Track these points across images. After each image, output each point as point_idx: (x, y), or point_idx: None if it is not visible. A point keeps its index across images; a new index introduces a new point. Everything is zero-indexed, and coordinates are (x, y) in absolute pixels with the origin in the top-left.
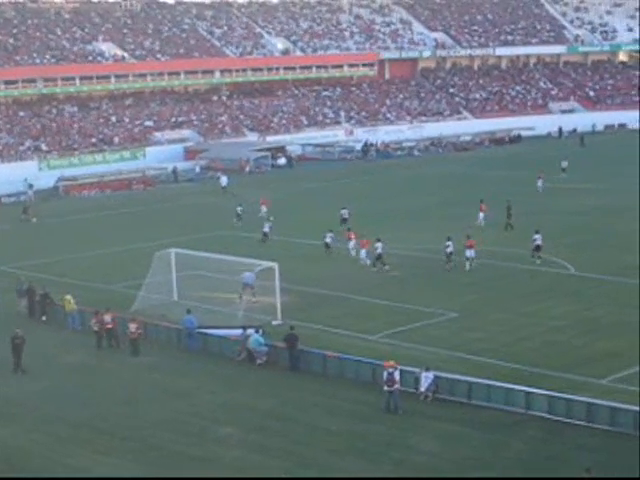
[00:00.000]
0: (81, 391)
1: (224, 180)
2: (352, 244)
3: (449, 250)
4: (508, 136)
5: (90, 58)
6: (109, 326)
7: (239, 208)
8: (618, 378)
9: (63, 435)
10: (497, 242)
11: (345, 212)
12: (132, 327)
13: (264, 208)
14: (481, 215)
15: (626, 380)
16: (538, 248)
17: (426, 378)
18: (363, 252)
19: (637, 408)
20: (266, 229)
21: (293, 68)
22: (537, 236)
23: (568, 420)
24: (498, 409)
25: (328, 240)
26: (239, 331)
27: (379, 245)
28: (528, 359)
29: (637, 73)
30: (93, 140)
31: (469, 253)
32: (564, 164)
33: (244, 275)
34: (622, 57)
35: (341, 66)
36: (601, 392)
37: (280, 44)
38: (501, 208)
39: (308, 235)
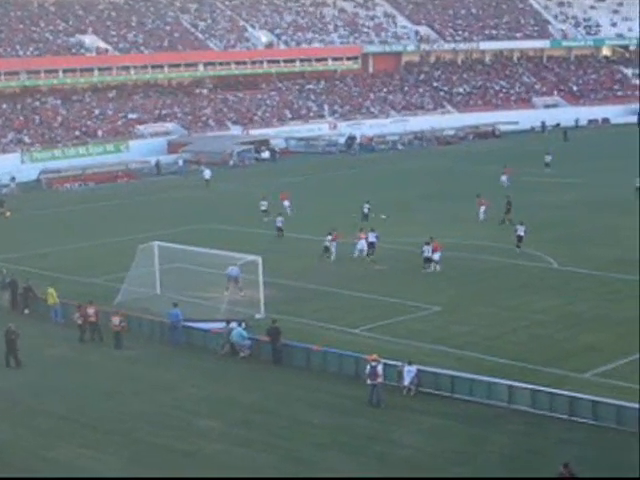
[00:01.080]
0: (64, 384)
1: (207, 173)
2: (361, 244)
3: (425, 255)
4: (493, 130)
5: (73, 51)
6: (92, 319)
7: (263, 202)
8: (600, 372)
9: (45, 428)
10: (480, 237)
11: (367, 207)
12: (115, 320)
13: (286, 203)
14: (482, 209)
15: (608, 374)
16: (520, 239)
17: (409, 372)
18: (362, 242)
19: (619, 402)
20: (279, 224)
21: (277, 61)
22: (520, 227)
23: (550, 414)
24: (481, 403)
25: (327, 244)
26: (222, 324)
27: (372, 235)
28: (511, 353)
29: (620, 68)
30: (76, 133)
31: (435, 256)
32: (547, 159)
33: (229, 269)
34: (605, 52)
35: (325, 59)
36: (583, 386)
37: (264, 37)
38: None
39: (291, 228)
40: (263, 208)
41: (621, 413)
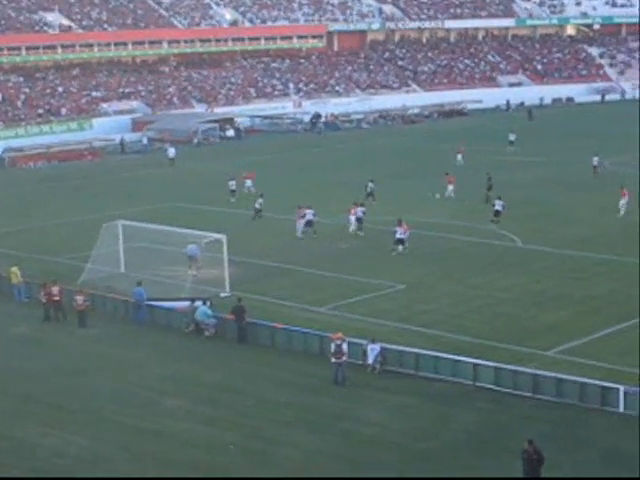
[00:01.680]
0: (28, 364)
1: (171, 152)
2: (353, 219)
3: (398, 236)
4: (461, 108)
5: (36, 28)
6: (56, 298)
7: (231, 183)
8: (564, 350)
9: (9, 408)
10: (445, 215)
11: (371, 185)
12: (79, 299)
13: (249, 182)
14: (450, 187)
15: (571, 352)
16: (497, 213)
17: (372, 350)
18: (352, 218)
19: (581, 379)
20: (257, 205)
21: (241, 39)
22: (498, 202)
23: (515, 391)
24: (446, 380)
25: (310, 217)
26: (187, 303)
27: (360, 210)
28: (475, 331)
29: (584, 47)
30: (40, 111)
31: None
32: (511, 137)
33: (188, 247)
34: (570, 31)
35: (290, 38)
36: (547, 364)
37: (228, 15)
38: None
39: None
40: (232, 188)
41: (584, 390)
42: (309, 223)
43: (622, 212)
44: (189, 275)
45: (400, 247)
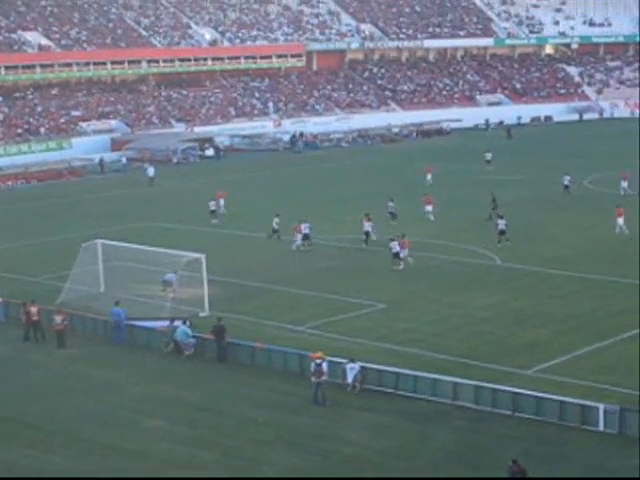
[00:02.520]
0: (6, 384)
1: (151, 171)
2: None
3: (395, 251)
4: (441, 127)
5: (15, 47)
6: (35, 318)
7: (212, 203)
8: (543, 368)
9: None
10: (424, 234)
11: (391, 205)
12: (58, 319)
13: (221, 201)
14: (429, 208)
15: (551, 370)
16: (502, 232)
17: (351, 369)
18: (298, 236)
19: (561, 398)
20: (275, 225)
21: (221, 59)
22: (501, 221)
23: (494, 410)
24: (425, 399)
25: (307, 231)
26: (166, 323)
27: (306, 226)
28: (455, 350)
29: (562, 66)
30: (18, 130)
31: (402, 253)
32: (488, 156)
33: (167, 276)
34: (548, 50)
35: (269, 57)
36: (526, 382)
37: (208, 35)
38: (419, 200)
39: (236, 225)
40: (212, 209)
41: (563, 408)
42: (306, 236)
43: (626, 231)
44: (170, 294)
45: (401, 263)
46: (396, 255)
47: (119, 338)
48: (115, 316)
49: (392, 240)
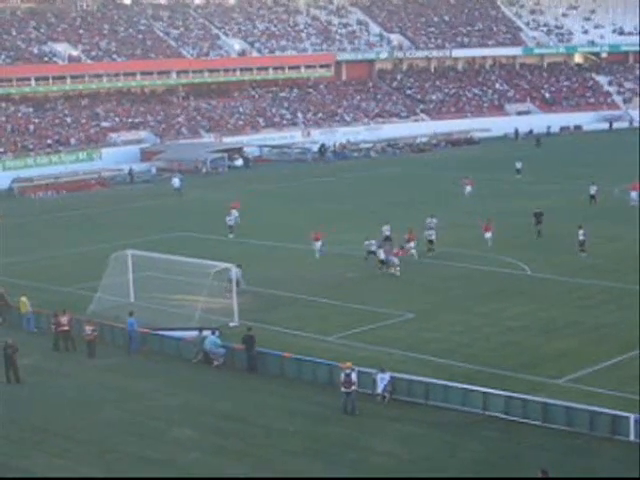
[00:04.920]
0: (36, 394)
1: (176, 182)
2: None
3: (381, 257)
4: (470, 137)
5: (46, 59)
6: (65, 328)
7: (229, 218)
8: (573, 378)
9: (17, 438)
10: (453, 243)
11: (433, 221)
12: (88, 329)
13: (235, 212)
14: (488, 235)
15: (582, 380)
16: (582, 243)
17: (382, 379)
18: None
19: (592, 408)
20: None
21: (250, 69)
22: (580, 231)
23: (525, 420)
24: (455, 410)
25: (373, 248)
26: (195, 333)
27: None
28: (485, 360)
29: (592, 75)
30: (49, 141)
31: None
32: (518, 165)
33: (231, 272)
34: (578, 59)
35: (298, 67)
36: (557, 392)
37: (237, 45)
38: (453, 209)
39: (265, 236)
40: (230, 223)
41: (594, 419)
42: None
43: None
44: (200, 304)
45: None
46: (382, 262)
47: (132, 348)
48: (129, 326)
49: (369, 241)
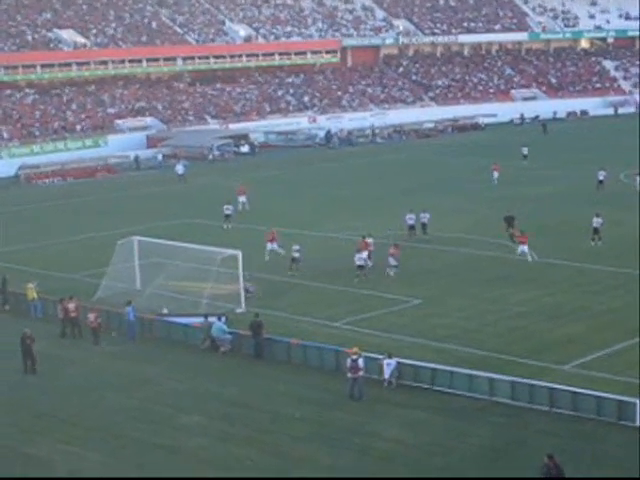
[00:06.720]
0: (44, 380)
1: (180, 168)
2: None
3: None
4: (476, 122)
5: (51, 45)
6: (73, 314)
7: (227, 207)
8: (580, 364)
9: (25, 424)
10: (458, 229)
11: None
12: (91, 317)
13: (242, 198)
14: (524, 249)
15: (588, 366)
16: (596, 231)
17: (388, 365)
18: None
19: (598, 393)
20: (295, 254)
21: (256, 55)
22: (596, 219)
23: (531, 406)
24: (461, 395)
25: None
26: (200, 319)
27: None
28: (491, 345)
29: (598, 60)
30: (55, 127)
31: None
32: (524, 151)
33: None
34: (584, 44)
35: (304, 53)
36: (563, 378)
37: (242, 31)
38: (459, 194)
39: (271, 222)
40: (227, 212)
41: (600, 404)
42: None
43: None
44: (207, 291)
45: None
46: (360, 267)
47: (129, 336)
48: (127, 315)
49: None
